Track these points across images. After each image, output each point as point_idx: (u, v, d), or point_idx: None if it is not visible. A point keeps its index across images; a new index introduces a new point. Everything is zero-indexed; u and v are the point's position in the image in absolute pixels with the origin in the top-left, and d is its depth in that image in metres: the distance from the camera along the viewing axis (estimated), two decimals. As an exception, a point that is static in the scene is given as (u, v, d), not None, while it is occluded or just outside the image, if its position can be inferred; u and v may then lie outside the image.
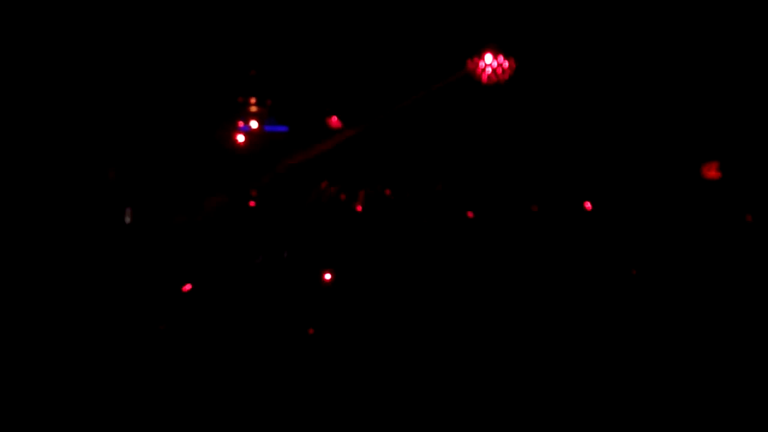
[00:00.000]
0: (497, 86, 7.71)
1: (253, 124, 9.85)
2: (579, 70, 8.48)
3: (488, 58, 7.77)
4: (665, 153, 9.22)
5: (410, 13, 7.36)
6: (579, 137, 9.77)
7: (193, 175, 9.72)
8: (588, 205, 7.35)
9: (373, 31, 7.87)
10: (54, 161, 8.12)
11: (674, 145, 9.23)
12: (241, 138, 10.01)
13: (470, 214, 8.96)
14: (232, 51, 8.73)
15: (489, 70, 7.63)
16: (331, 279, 5.30)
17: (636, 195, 9.10)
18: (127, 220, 5.63)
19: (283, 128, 10.46)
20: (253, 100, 9.62)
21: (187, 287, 5.41)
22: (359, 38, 8.14)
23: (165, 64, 8.66)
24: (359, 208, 8.48)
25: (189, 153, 9.76)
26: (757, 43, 6.87)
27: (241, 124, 10.02)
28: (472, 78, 7.74)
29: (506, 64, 7.66)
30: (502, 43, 7.73)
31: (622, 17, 7.16)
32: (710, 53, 7.59)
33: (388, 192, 9.61)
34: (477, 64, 7.75)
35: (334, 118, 10.44)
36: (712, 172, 9.01)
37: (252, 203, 8.14)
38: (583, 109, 9.56)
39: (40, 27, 7.34)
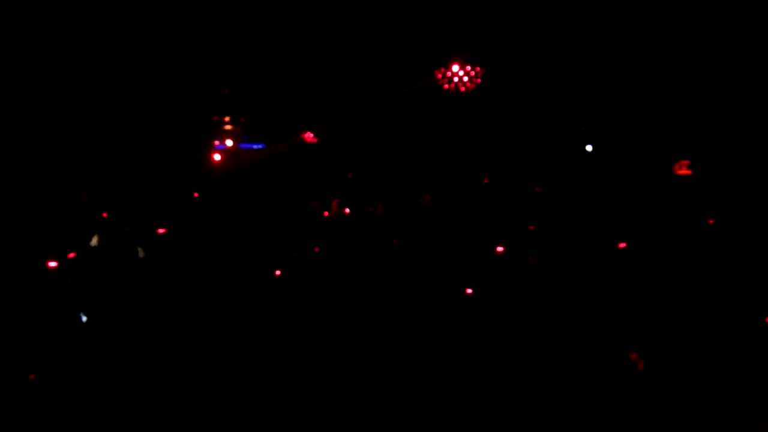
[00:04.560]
0: (465, 94, 7.80)
1: (229, 143, 9.91)
2: (548, 77, 8.60)
3: (455, 67, 7.87)
4: (637, 152, 9.35)
5: (378, 28, 7.46)
6: (547, 140, 9.90)
7: (169, 190, 9.77)
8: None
9: (343, 47, 7.96)
10: (30, 182, 8.16)
11: (646, 144, 9.35)
12: (217, 157, 10.07)
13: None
14: (205, 71, 8.80)
15: (456, 79, 7.73)
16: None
17: (609, 192, 9.21)
18: (93, 242, 5.60)
19: (259, 145, 10.53)
20: (227, 119, 9.69)
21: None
22: (329, 54, 8.23)
23: (139, 85, 8.71)
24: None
25: (165, 172, 9.81)
26: (726, 49, 7.00)
27: (216, 142, 10.08)
28: (440, 87, 7.84)
29: (473, 72, 7.76)
30: (469, 52, 7.83)
31: (588, 23, 7.28)
32: (679, 57, 7.72)
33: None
34: (444, 74, 7.85)
35: (309, 134, 10.52)
36: (683, 170, 9.14)
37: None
38: (551, 113, 9.69)
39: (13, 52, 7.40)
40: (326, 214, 8.65)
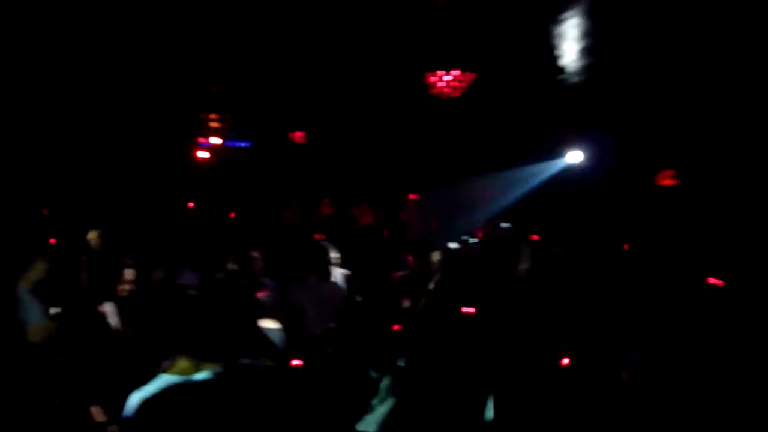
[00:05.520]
0: (453, 100, 7.80)
1: (215, 140, 9.87)
2: (533, 83, 8.63)
3: (445, 72, 7.86)
4: (621, 162, 9.43)
5: (368, 29, 7.43)
6: (532, 148, 9.96)
7: (158, 192, 9.67)
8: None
9: (333, 46, 7.92)
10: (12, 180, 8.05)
11: (630, 154, 9.44)
12: (203, 154, 10.01)
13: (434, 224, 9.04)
14: (192, 68, 8.73)
15: (444, 84, 7.72)
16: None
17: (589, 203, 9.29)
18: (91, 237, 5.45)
19: (246, 144, 10.48)
20: (214, 116, 9.63)
21: None
22: (319, 53, 8.19)
23: (124, 81, 8.62)
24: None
25: (152, 169, 9.72)
26: (711, 57, 7.05)
27: (202, 140, 10.03)
28: (430, 92, 7.83)
29: (462, 78, 7.76)
30: (459, 58, 7.83)
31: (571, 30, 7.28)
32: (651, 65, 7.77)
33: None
34: (434, 79, 7.84)
35: (299, 134, 10.49)
36: (667, 180, 9.25)
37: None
38: (537, 120, 9.75)
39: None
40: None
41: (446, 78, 7.83)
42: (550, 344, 3.36)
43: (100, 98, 8.57)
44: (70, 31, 6.89)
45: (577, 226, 8.50)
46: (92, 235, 5.33)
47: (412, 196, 9.58)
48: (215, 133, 9.79)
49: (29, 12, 6.19)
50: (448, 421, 3.82)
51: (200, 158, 9.86)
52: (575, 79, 8.29)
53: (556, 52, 7.41)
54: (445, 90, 7.64)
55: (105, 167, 9.11)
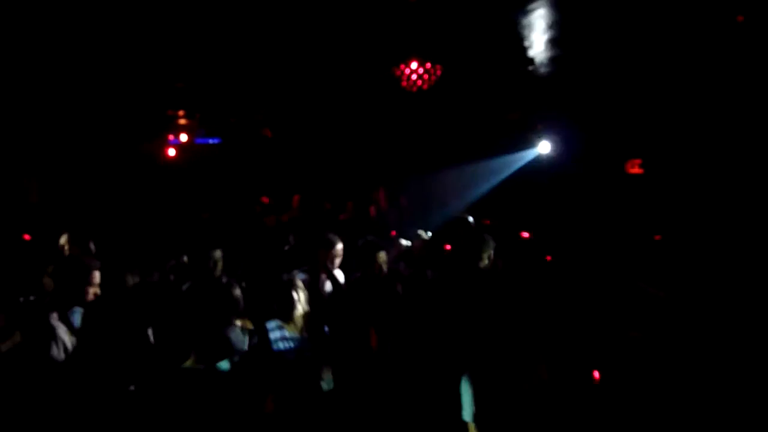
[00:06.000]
0: (422, 92, 7.80)
1: (183, 137, 9.71)
2: (504, 74, 8.65)
3: (413, 64, 7.85)
4: (590, 151, 9.54)
5: (336, 21, 7.36)
6: (502, 140, 10.02)
7: (126, 190, 9.49)
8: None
9: (302, 40, 7.83)
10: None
11: (599, 143, 9.55)
12: (171, 152, 9.84)
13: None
14: (158, 64, 8.57)
15: (414, 76, 7.71)
16: None
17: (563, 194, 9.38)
18: (62, 241, 5.33)
19: (215, 140, 10.33)
20: (181, 113, 9.47)
21: None
22: (287, 46, 8.09)
23: (92, 79, 8.43)
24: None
25: (119, 167, 9.53)
26: (682, 45, 7.14)
27: (171, 137, 9.85)
28: (398, 85, 7.81)
29: (432, 70, 7.75)
30: (427, 49, 7.82)
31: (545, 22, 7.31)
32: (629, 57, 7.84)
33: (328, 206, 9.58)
34: (403, 71, 7.82)
35: (267, 131, 10.39)
36: (635, 168, 9.39)
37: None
38: (507, 111, 9.80)
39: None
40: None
41: (415, 70, 7.83)
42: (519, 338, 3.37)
43: (66, 99, 8.37)
44: (39, 28, 6.71)
45: (547, 215, 8.60)
46: (63, 239, 5.23)
47: (382, 190, 9.56)
48: (184, 130, 9.64)
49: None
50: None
51: (169, 156, 9.70)
52: (544, 70, 8.35)
53: (525, 43, 7.44)
54: (417, 82, 7.63)
55: (75, 168, 8.91)
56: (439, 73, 7.95)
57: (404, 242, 6.35)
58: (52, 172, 8.51)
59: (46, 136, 8.83)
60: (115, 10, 6.49)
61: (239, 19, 7.03)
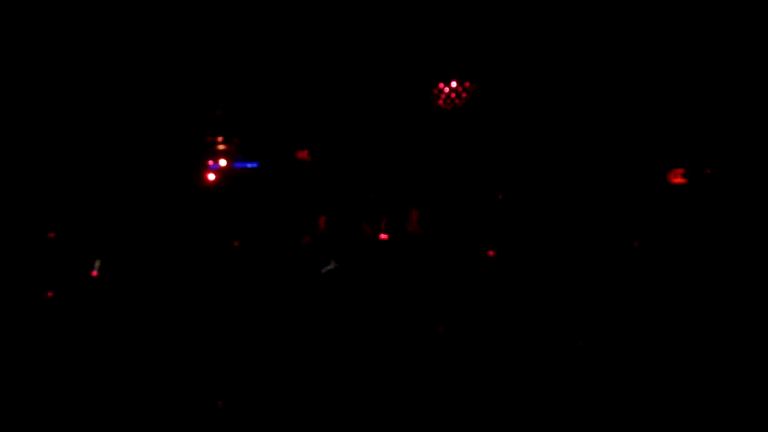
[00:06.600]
0: (457, 110, 7.81)
1: (222, 162, 9.91)
2: (538, 90, 8.61)
3: (450, 83, 7.88)
4: (632, 160, 9.39)
5: (371, 43, 7.46)
6: (539, 155, 9.92)
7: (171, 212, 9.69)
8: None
9: (335, 62, 7.94)
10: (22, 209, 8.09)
11: (640, 152, 9.39)
12: (211, 176, 10.06)
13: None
14: (198, 91, 8.78)
15: (448, 93, 7.73)
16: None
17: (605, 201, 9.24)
18: (96, 269, 5.59)
19: (253, 164, 10.50)
20: (220, 139, 9.69)
21: None
22: (322, 70, 8.21)
23: (132, 106, 8.67)
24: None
25: (161, 193, 9.74)
26: (723, 54, 7.02)
27: (210, 162, 10.07)
28: (433, 103, 7.84)
29: (466, 88, 7.77)
30: (462, 68, 7.85)
31: (579, 26, 7.28)
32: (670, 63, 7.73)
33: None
34: (438, 89, 7.85)
35: (305, 152, 10.50)
36: (677, 178, 9.17)
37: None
38: (543, 126, 9.71)
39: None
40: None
41: (453, 88, 7.86)
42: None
43: (102, 127, 8.64)
44: (77, 51, 6.95)
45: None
46: (97, 264, 5.45)
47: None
48: (222, 155, 9.87)
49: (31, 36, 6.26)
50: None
51: (209, 180, 9.92)
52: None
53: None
54: (456, 101, 7.67)
55: (114, 197, 9.15)
56: (472, 90, 7.96)
57: None
58: (93, 204, 8.77)
59: (88, 165, 9.10)
60: (155, 39, 6.69)
61: (275, 43, 7.16)
